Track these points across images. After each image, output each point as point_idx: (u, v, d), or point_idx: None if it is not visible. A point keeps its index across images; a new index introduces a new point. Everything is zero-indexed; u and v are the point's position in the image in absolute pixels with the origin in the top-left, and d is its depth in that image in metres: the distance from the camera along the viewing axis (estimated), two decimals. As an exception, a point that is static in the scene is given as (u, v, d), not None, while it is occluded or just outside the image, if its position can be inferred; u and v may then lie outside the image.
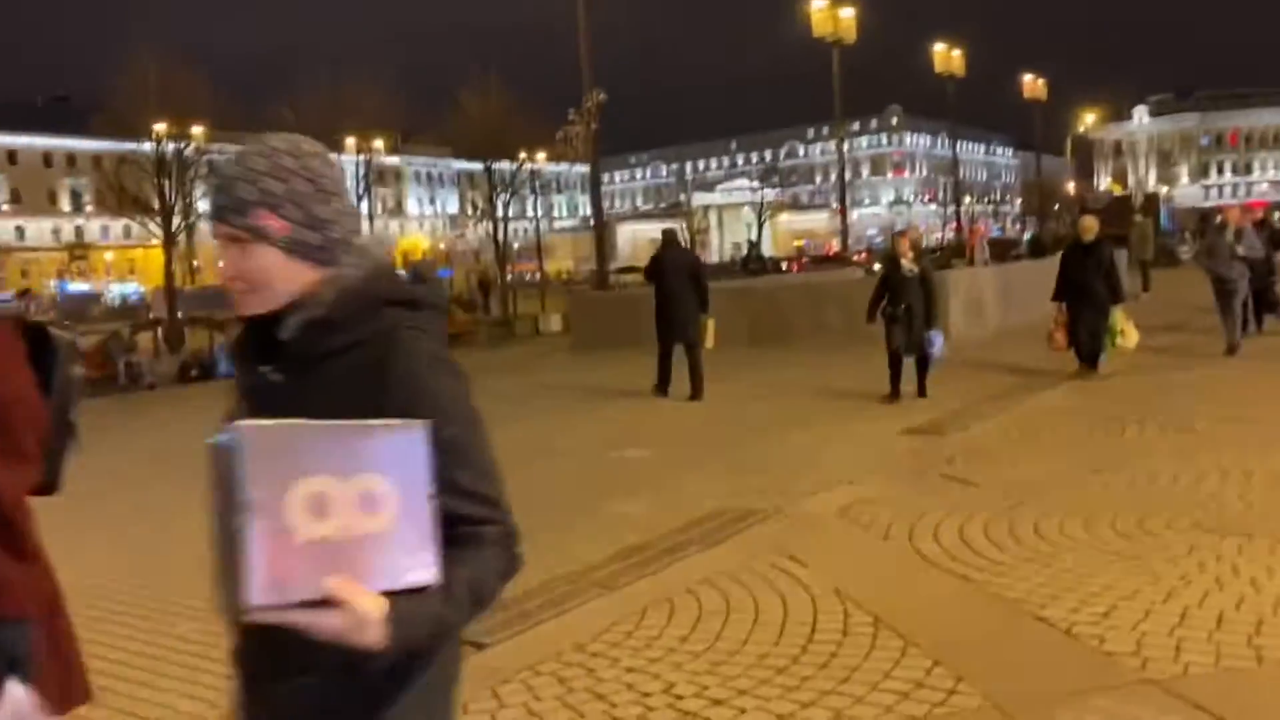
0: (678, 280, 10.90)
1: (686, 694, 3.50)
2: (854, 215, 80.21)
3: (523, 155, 46.08)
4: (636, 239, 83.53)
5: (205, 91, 35.02)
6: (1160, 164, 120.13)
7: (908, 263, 9.58)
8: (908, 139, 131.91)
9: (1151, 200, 43.22)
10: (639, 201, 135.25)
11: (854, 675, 3.56)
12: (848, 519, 5.66)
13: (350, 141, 41.87)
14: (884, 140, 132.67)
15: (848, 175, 60.31)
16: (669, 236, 11.78)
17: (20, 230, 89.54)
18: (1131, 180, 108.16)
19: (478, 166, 47.50)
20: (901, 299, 9.49)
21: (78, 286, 70.25)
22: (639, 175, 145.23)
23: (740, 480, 6.78)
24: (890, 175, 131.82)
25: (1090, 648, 3.66)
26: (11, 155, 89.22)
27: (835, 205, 73.96)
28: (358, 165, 41.66)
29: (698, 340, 10.84)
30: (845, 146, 54.06)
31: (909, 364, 9.62)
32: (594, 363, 15.15)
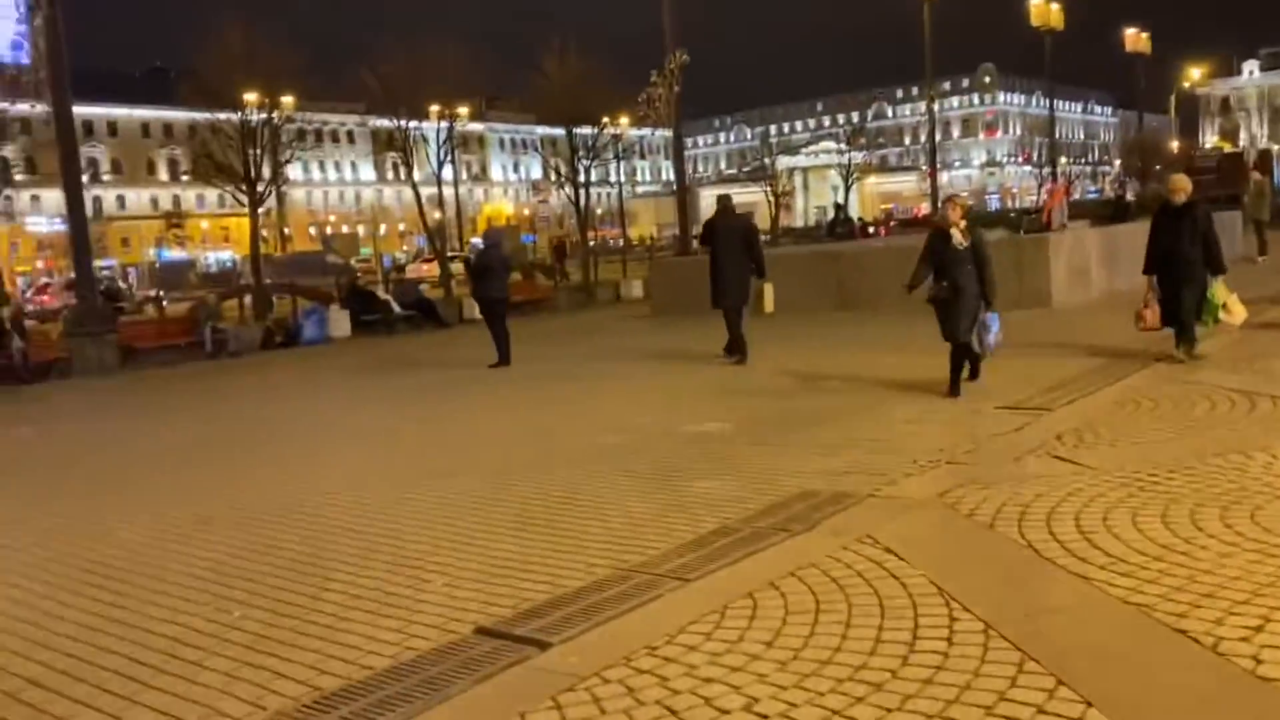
0: (730, 246, 11.25)
1: (770, 713, 3.09)
2: (944, 177, 77.89)
3: (605, 120, 45.58)
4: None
5: (291, 60, 35.21)
6: (1272, 120, 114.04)
7: (958, 234, 8.18)
8: (1001, 98, 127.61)
9: (1266, 157, 40.83)
10: (723, 165, 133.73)
11: (963, 695, 3.11)
12: (948, 505, 5.17)
13: (434, 108, 41.79)
14: (976, 100, 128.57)
15: (938, 136, 58.45)
16: (724, 203, 12.02)
17: (121, 199, 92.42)
18: (1243, 137, 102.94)
19: (560, 131, 47.18)
20: (949, 277, 8.14)
21: (174, 254, 72.17)
22: (723, 139, 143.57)
23: (827, 459, 6.32)
24: (982, 136, 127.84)
25: (1243, 670, 3.14)
26: (112, 127, 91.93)
27: (924, 167, 71.85)
28: (439, 131, 41.59)
29: (742, 305, 11.10)
30: (935, 106, 52.26)
31: (949, 351, 8.26)
32: (673, 329, 14.73)
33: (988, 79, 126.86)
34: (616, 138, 48.20)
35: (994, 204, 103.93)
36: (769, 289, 11.24)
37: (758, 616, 3.87)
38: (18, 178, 72.75)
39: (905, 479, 5.72)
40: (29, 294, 42.54)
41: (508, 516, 5.60)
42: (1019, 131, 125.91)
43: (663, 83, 34.12)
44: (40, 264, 72.53)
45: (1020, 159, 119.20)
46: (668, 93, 33.90)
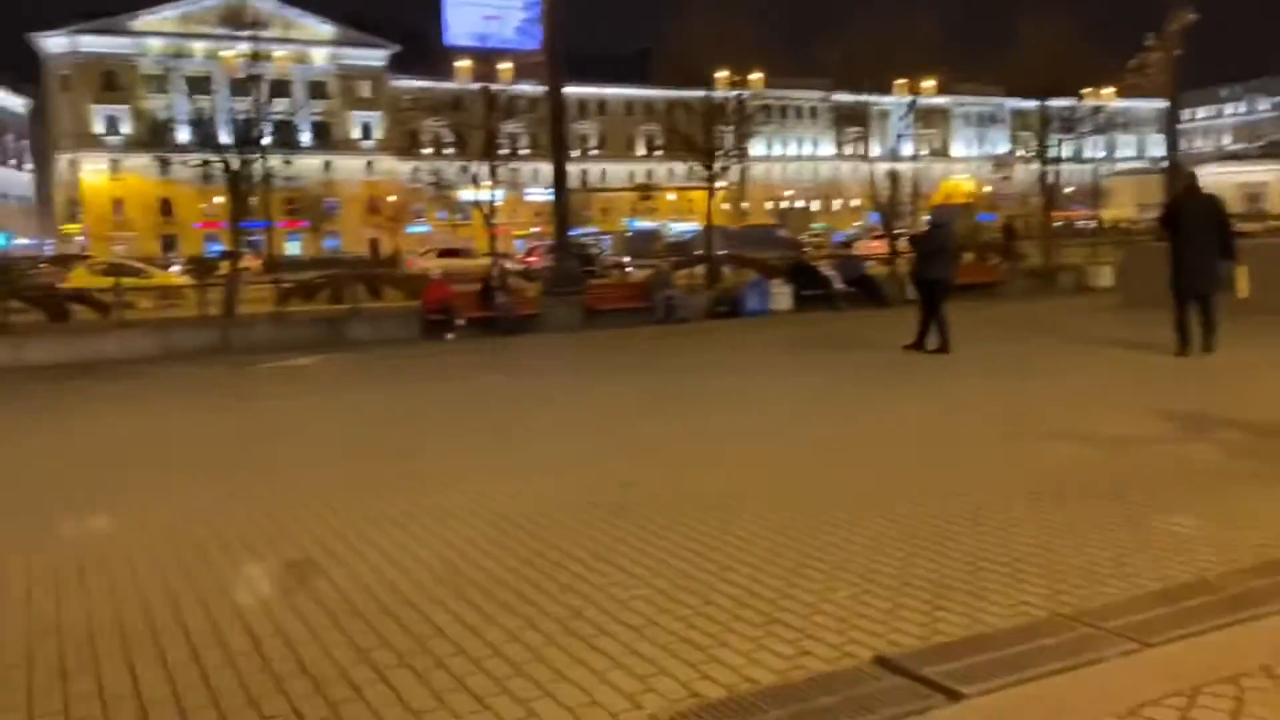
0: (1197, 228, 10.62)
1: None
2: None
3: (1086, 90, 41.72)
4: (1219, 185, 72.55)
5: (758, 38, 36.14)
6: None
7: None
8: None
9: None
10: (1227, 140, 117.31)
11: None
12: None
13: (898, 82, 40.81)
14: None
15: None
16: (1189, 180, 11.47)
17: (603, 172, 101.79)
18: None
19: (1031, 104, 44.00)
20: None
21: (643, 224, 77.86)
22: (1228, 110, 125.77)
23: (1355, 508, 4.95)
24: None
25: None
26: (601, 105, 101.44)
27: None
28: (900, 106, 40.45)
29: (1213, 291, 10.56)
30: None
31: None
32: (1148, 323, 12.85)
33: None
34: (1097, 109, 44.00)
35: None
36: (1243, 271, 10.57)
37: (1243, 712, 2.99)
38: (523, 151, 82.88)
39: None
40: (521, 256, 48.04)
41: (933, 525, 5.00)
42: None
43: (1160, 46, 30.46)
44: (535, 229, 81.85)
45: None
46: (1164, 57, 30.23)
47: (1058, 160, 38.88)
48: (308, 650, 3.72)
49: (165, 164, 64.04)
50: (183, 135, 50.45)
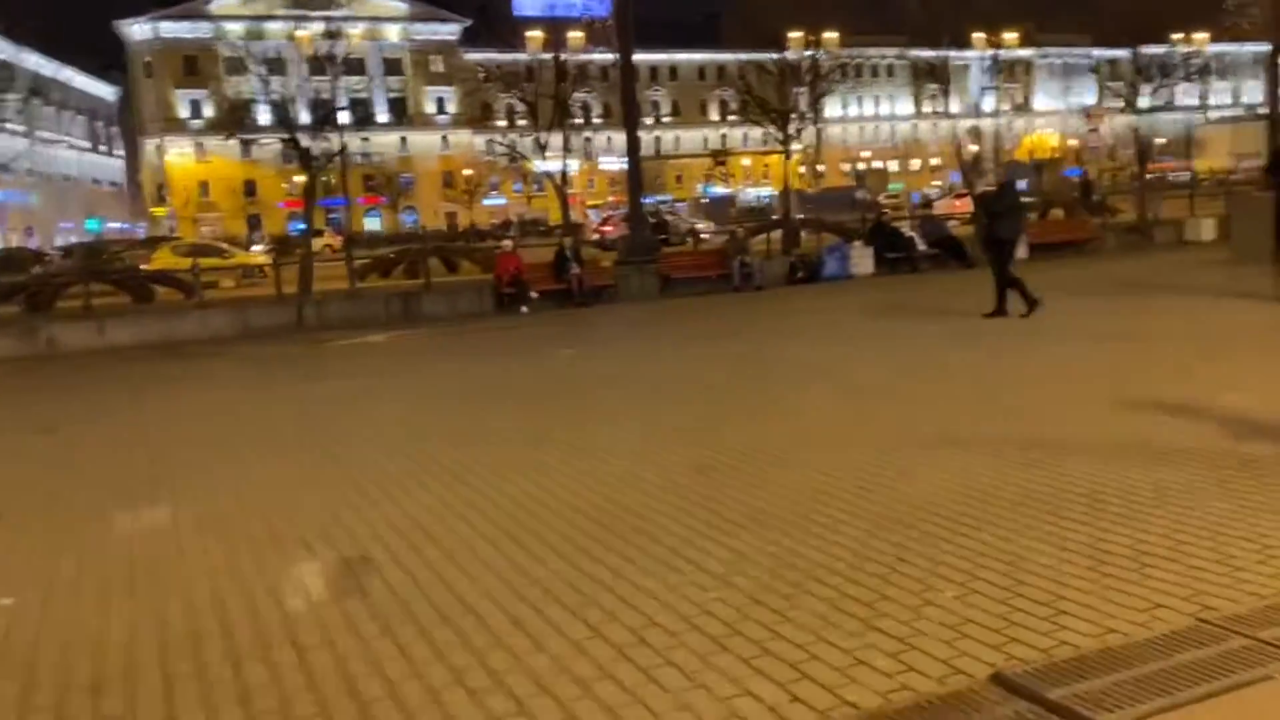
0: None
1: None
2: None
3: (1177, 36, 39.74)
4: (1323, 130, 68.70)
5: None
6: None
7: None
8: None
9: None
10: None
11: None
12: None
13: (978, 35, 39.23)
14: None
15: None
16: None
17: (677, 139, 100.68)
18: None
19: (1121, 52, 42.09)
20: None
21: (718, 190, 76.95)
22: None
23: None
24: None
25: None
26: (673, 71, 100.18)
27: None
28: (982, 60, 38.92)
29: None
30: None
31: None
32: (1262, 280, 11.99)
33: None
34: (1191, 55, 41.92)
35: None
36: None
37: None
38: (595, 120, 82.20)
39: None
40: (596, 225, 47.73)
41: (1044, 514, 4.50)
42: None
43: (1262, -16, 28.85)
44: (610, 199, 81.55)
45: None
46: (1268, -3, 28.57)
47: (1150, 110, 37.11)
48: (357, 664, 3.41)
49: (247, 145, 65.16)
50: (262, 117, 51.23)
